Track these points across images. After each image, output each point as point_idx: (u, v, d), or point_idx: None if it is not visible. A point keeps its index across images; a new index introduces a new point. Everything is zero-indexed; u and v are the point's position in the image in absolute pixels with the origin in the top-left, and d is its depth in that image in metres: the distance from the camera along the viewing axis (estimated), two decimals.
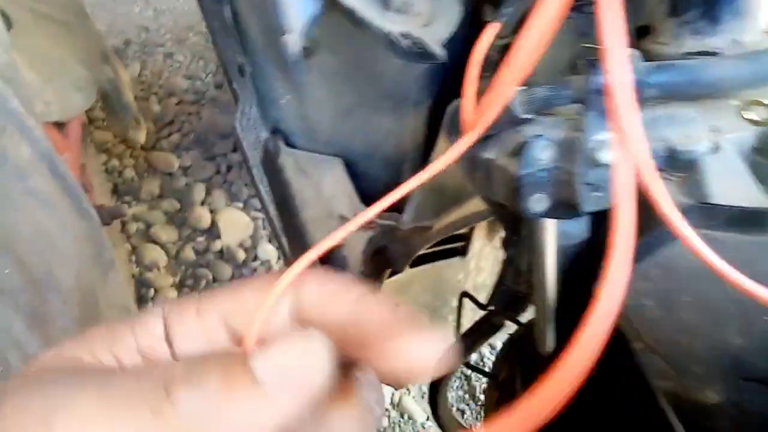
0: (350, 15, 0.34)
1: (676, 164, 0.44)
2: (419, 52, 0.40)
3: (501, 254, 1.05)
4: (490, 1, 0.61)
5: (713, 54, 0.42)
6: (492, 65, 0.67)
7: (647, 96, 0.39)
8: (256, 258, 1.76)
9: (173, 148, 2.00)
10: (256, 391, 0.22)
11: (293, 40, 0.28)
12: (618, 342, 0.41)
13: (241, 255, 1.75)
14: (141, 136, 1.76)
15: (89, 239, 0.96)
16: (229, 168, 1.96)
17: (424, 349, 0.26)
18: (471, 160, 0.51)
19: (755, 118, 0.39)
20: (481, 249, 0.99)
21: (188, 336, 0.26)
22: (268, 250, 1.76)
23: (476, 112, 0.33)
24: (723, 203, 0.40)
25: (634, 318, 0.40)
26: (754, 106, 0.38)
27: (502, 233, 1.03)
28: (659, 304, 0.40)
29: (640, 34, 0.47)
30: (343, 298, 0.28)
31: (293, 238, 0.93)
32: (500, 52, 0.65)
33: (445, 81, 0.70)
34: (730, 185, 0.42)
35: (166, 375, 0.23)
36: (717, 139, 0.43)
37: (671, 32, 0.42)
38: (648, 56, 0.43)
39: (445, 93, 0.71)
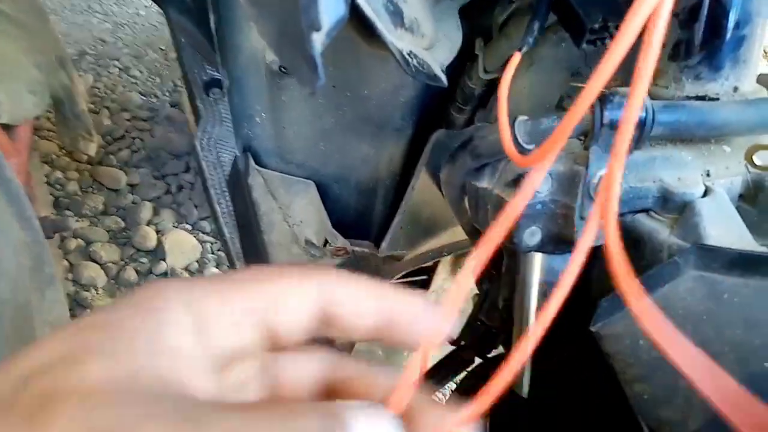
0: (368, 26, 0.33)
1: (669, 205, 0.44)
2: (425, 73, 0.39)
3: (471, 288, 1.04)
4: (481, 35, 0.61)
5: (713, 99, 0.42)
6: (472, 99, 0.67)
7: (655, 134, 0.39)
8: None
9: (122, 165, 1.93)
10: None
11: (320, 39, 0.26)
12: (614, 382, 0.40)
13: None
14: (91, 149, 1.69)
15: (30, 251, 0.90)
16: (179, 188, 1.90)
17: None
18: (460, 188, 0.50)
19: (759, 162, 0.39)
20: (442, 284, 0.98)
21: (215, 326, 0.24)
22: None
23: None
24: (714, 245, 0.40)
25: (629, 357, 0.39)
26: (760, 151, 0.38)
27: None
28: (653, 344, 0.39)
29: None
30: (369, 295, 0.26)
31: (252, 262, 0.89)
32: (484, 86, 0.66)
33: (426, 110, 0.69)
34: (724, 229, 0.42)
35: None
36: (710, 183, 0.44)
37: (672, 76, 0.43)
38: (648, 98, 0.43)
39: (425, 122, 0.70)
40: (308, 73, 0.28)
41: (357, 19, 0.34)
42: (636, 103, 0.28)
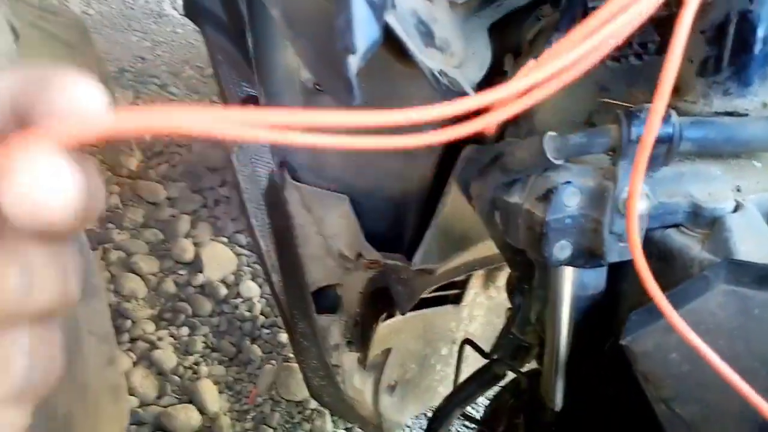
0: (401, 47, 0.34)
1: (700, 220, 0.44)
2: (456, 91, 0.40)
3: (502, 303, 1.04)
4: (511, 51, 0.62)
5: (742, 115, 0.42)
6: None
7: (683, 150, 0.39)
8: (238, 295, 1.73)
9: (161, 179, 1.98)
10: None
11: (355, 62, 0.27)
12: (644, 396, 0.40)
13: (223, 291, 1.72)
14: (132, 163, 1.74)
15: None
16: (216, 202, 1.94)
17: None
18: (491, 203, 0.51)
19: None
20: (474, 298, 0.99)
21: None
22: (250, 287, 1.74)
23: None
24: (744, 260, 0.40)
25: (658, 371, 0.39)
26: None
27: (500, 282, 1.02)
28: (684, 358, 0.39)
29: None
30: None
31: (287, 275, 0.91)
32: None
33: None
34: (755, 244, 0.42)
35: None
36: (740, 198, 0.44)
37: (700, 91, 0.43)
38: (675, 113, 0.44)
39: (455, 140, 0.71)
40: (344, 94, 0.30)
41: (389, 40, 0.36)
42: (655, 123, 0.29)
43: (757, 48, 0.42)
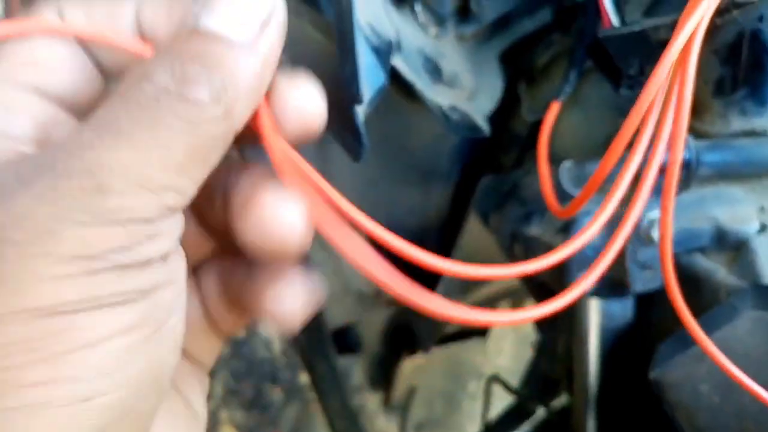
0: (408, 88, 0.34)
1: (725, 244, 0.43)
2: (467, 126, 0.40)
3: (529, 334, 1.02)
4: (525, 77, 0.62)
5: (760, 134, 0.42)
6: (519, 140, 0.68)
7: (701, 175, 0.39)
8: (255, 336, 1.72)
9: None
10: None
11: (363, 110, 0.27)
12: (676, 429, 0.39)
13: (241, 333, 1.71)
14: None
15: None
16: None
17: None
18: (511, 236, 0.50)
19: None
20: (501, 330, 0.97)
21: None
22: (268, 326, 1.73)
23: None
24: None
25: (689, 402, 0.38)
26: None
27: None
28: (716, 389, 0.38)
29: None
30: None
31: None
32: (530, 128, 0.66)
33: (472, 154, 0.70)
34: None
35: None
36: (765, 219, 0.43)
37: (717, 112, 0.42)
38: (693, 135, 0.43)
39: (472, 167, 0.71)
40: (352, 142, 0.30)
41: (396, 79, 0.35)
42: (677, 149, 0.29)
43: None
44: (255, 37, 0.21)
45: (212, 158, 0.21)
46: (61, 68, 0.22)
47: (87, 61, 0.23)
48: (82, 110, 0.23)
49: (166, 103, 0.19)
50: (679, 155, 0.32)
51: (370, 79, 0.27)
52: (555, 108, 0.41)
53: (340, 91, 0.28)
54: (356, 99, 0.26)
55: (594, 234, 0.42)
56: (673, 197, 0.31)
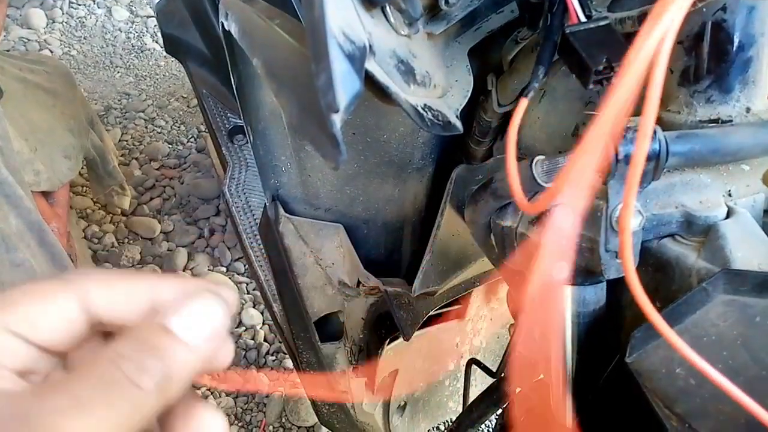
0: (383, 92, 0.35)
1: (693, 229, 0.44)
2: (440, 123, 0.41)
3: (504, 314, 1.04)
4: (493, 70, 0.62)
5: (726, 122, 0.43)
6: (490, 132, 0.68)
7: (670, 165, 0.40)
8: (240, 323, 1.72)
9: (154, 213, 1.98)
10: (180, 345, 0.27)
11: (340, 117, 0.28)
12: (652, 412, 0.40)
13: None
14: (125, 203, 1.74)
15: None
16: (212, 232, 1.94)
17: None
18: (485, 227, 0.51)
19: None
20: (477, 312, 0.99)
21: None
22: (252, 315, 1.73)
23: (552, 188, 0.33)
24: (745, 268, 0.40)
25: (666, 387, 0.39)
26: None
27: (502, 294, 1.02)
28: (690, 373, 0.39)
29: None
30: (134, 291, 0.29)
31: (288, 306, 0.91)
32: (500, 119, 0.67)
33: (445, 146, 0.70)
34: (750, 249, 0.42)
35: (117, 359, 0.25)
36: (731, 203, 0.44)
37: (683, 101, 0.43)
38: (659, 125, 0.44)
39: (445, 158, 0.72)
40: (329, 150, 0.30)
41: (371, 83, 0.36)
42: (643, 146, 0.29)
43: (735, 54, 0.43)
44: (204, 341, 0.29)
45: (143, 423, 0.26)
46: (55, 328, 0.28)
47: (81, 319, 0.28)
48: (63, 352, 0.29)
49: (121, 385, 0.25)
50: (644, 150, 0.33)
51: (345, 86, 0.28)
52: (523, 104, 0.41)
53: (316, 99, 0.28)
54: (332, 108, 0.27)
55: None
56: (635, 191, 0.32)
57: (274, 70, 0.36)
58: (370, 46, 0.34)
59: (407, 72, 0.39)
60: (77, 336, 0.29)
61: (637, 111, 0.50)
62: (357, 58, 0.30)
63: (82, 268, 1.36)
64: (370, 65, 0.33)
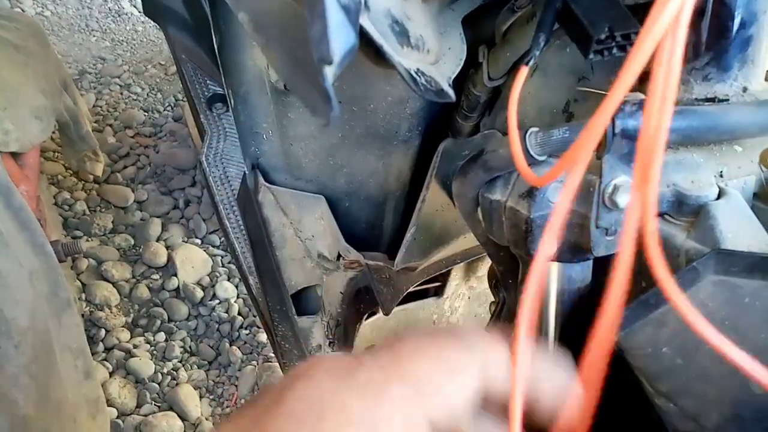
0: (376, 51, 0.33)
1: (684, 209, 0.43)
2: (434, 90, 0.39)
3: (483, 293, 1.04)
4: (485, 42, 0.61)
5: (722, 101, 0.42)
6: (478, 106, 0.67)
7: (667, 141, 0.39)
8: (214, 296, 1.70)
9: (128, 182, 1.94)
10: None
11: (332, 71, 0.26)
12: (635, 390, 0.40)
13: (199, 293, 1.69)
14: (98, 169, 1.69)
15: (45, 277, 0.90)
16: (187, 203, 1.90)
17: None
18: (473, 201, 0.50)
19: None
20: (456, 290, 0.98)
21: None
22: (227, 288, 1.71)
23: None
24: (735, 249, 0.40)
25: (652, 366, 0.39)
26: None
27: (481, 273, 1.02)
28: (677, 352, 0.39)
29: (643, 79, 0.47)
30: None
31: (265, 278, 0.89)
32: (490, 93, 0.66)
33: (432, 120, 0.69)
34: (740, 230, 0.42)
35: None
36: (723, 184, 0.44)
37: (681, 78, 0.42)
38: None
39: (432, 132, 0.70)
40: (321, 105, 0.28)
41: (364, 42, 0.34)
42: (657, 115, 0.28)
43: (735, 32, 0.42)
44: None
45: None
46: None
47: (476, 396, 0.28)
48: None
49: None
50: (666, 122, 0.32)
51: (340, 37, 0.26)
52: (523, 72, 0.40)
53: (308, 52, 0.27)
54: (326, 59, 0.25)
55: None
56: (659, 164, 0.30)
57: (261, 24, 0.34)
58: (365, 1, 0.32)
59: (401, 33, 0.38)
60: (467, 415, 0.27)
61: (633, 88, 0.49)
62: (352, 10, 0.28)
63: (52, 230, 1.32)
64: (365, 22, 0.32)
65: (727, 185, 0.43)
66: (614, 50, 0.38)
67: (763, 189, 0.46)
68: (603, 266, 0.50)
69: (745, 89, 0.42)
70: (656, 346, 0.39)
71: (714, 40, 0.42)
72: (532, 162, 0.42)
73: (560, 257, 0.45)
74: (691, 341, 0.40)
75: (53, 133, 1.54)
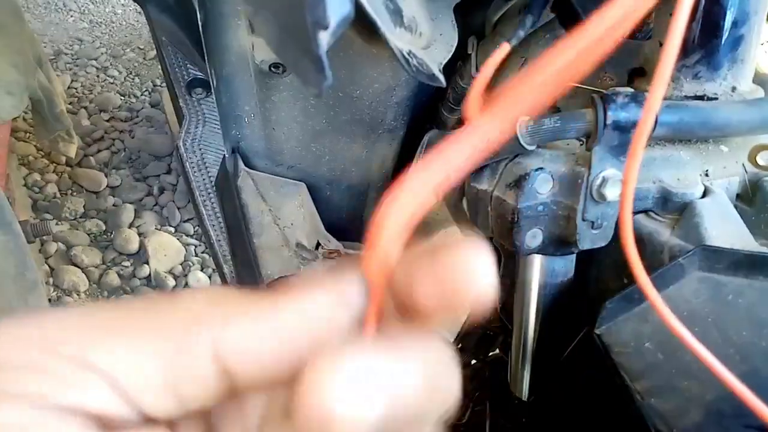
0: (370, 26, 0.32)
1: (669, 206, 0.43)
2: (425, 73, 0.38)
3: None
4: (474, 34, 0.60)
5: (711, 99, 0.42)
6: (463, 97, 0.67)
7: (657, 135, 0.39)
8: (186, 286, 1.67)
9: (101, 166, 1.89)
10: None
11: (326, 38, 0.25)
12: (618, 386, 0.40)
13: (171, 282, 1.66)
14: (71, 150, 1.65)
15: (12, 257, 0.88)
16: (161, 190, 1.87)
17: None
18: (459, 190, 0.49)
19: (763, 163, 0.39)
20: None
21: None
22: (200, 278, 1.68)
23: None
24: (718, 246, 0.40)
25: (634, 362, 0.39)
26: (764, 151, 0.38)
27: None
28: (659, 347, 0.39)
29: (633, 76, 0.47)
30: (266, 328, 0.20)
31: (242, 265, 0.88)
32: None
33: (418, 110, 0.68)
34: (723, 229, 0.42)
35: None
36: (709, 183, 0.44)
37: (671, 75, 0.42)
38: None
39: (416, 123, 0.70)
40: (314, 74, 0.27)
41: (358, 19, 0.33)
42: (654, 106, 0.28)
43: (727, 32, 0.42)
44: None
45: None
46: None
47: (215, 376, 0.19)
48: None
49: None
50: (652, 117, 0.32)
51: (335, 4, 0.25)
52: (504, 48, 0.40)
53: (301, 18, 0.26)
54: (321, 23, 0.24)
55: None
56: (639, 158, 0.30)
57: None
58: None
59: (395, 12, 0.37)
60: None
61: (620, 81, 0.49)
62: None
63: (21, 211, 1.29)
64: None
65: (713, 184, 0.44)
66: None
67: (746, 190, 0.46)
68: (584, 262, 0.50)
69: (734, 89, 0.42)
70: (638, 341, 0.39)
71: (705, 39, 0.42)
72: (520, 151, 0.41)
73: (544, 250, 0.45)
74: (673, 337, 0.40)
75: (26, 113, 1.50)
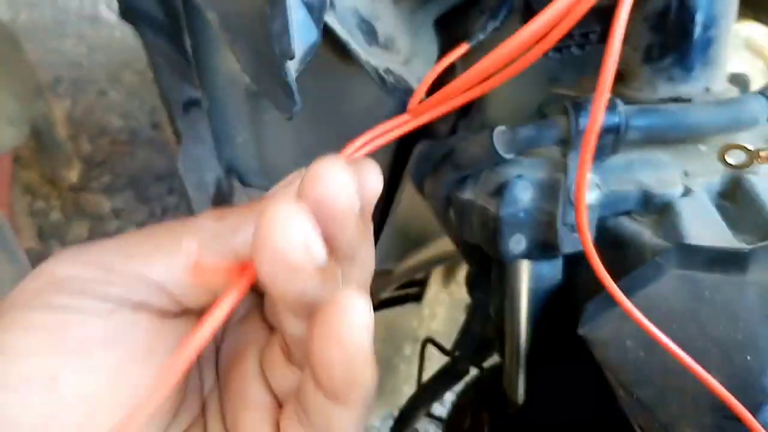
0: (343, 48, 0.33)
1: (650, 207, 0.44)
2: (403, 89, 0.40)
3: (463, 298, 1.04)
4: (458, 44, 0.61)
5: (685, 101, 0.43)
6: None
7: (629, 139, 0.40)
8: None
9: (104, 190, 1.91)
10: None
11: (294, 66, 0.26)
12: (599, 384, 0.40)
13: None
14: (73, 176, 1.67)
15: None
16: (164, 211, 1.89)
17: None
18: (445, 200, 0.50)
19: (732, 161, 0.40)
20: (435, 295, 0.98)
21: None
22: None
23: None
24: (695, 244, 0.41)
25: (615, 358, 0.39)
26: (732, 150, 0.39)
27: (461, 278, 1.02)
28: (641, 345, 0.39)
29: (614, 80, 0.48)
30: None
31: None
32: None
33: None
34: (704, 227, 0.42)
35: None
36: (688, 182, 0.44)
37: (645, 79, 0.43)
38: (622, 101, 0.44)
39: (407, 135, 0.71)
40: (284, 99, 0.29)
41: (331, 41, 0.34)
42: (598, 113, 0.29)
43: (697, 34, 0.43)
44: None
45: None
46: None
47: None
48: None
49: None
50: (599, 121, 0.33)
51: (301, 34, 0.26)
52: (462, 48, 0.41)
53: (271, 48, 0.27)
54: (287, 54, 0.25)
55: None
56: (589, 162, 0.31)
57: (228, 21, 0.34)
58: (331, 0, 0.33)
59: (369, 32, 0.38)
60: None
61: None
62: (316, 8, 0.29)
63: (26, 239, 1.30)
64: (330, 19, 0.32)
65: (692, 184, 0.44)
66: (573, 48, 0.39)
67: (726, 188, 0.47)
68: (574, 265, 0.51)
69: (707, 89, 0.43)
70: (620, 338, 0.39)
71: (677, 42, 0.43)
72: (499, 160, 0.42)
73: (529, 255, 0.45)
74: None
75: (27, 139, 1.52)
